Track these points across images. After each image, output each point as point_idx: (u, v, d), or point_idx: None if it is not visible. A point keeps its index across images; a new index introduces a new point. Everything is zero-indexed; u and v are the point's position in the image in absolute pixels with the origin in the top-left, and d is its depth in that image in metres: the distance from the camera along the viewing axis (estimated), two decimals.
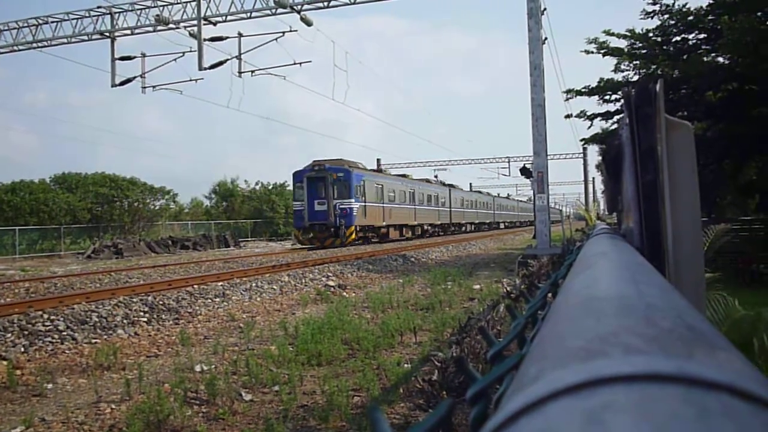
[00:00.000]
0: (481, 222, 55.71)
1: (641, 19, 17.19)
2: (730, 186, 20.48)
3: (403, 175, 38.75)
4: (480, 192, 60.86)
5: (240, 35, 22.80)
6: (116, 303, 10.79)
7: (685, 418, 0.27)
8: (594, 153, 42.91)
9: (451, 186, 46.98)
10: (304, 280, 15.68)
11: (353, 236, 28.18)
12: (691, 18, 16.27)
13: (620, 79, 18.03)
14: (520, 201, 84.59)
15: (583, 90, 18.49)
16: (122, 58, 23.67)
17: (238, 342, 8.91)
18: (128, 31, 23.41)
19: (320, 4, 20.99)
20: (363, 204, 29.15)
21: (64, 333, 9.10)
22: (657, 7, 16.59)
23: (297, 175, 29.04)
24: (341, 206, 27.63)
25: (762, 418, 0.28)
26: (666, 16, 16.69)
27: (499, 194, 71.54)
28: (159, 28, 22.52)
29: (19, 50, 24.63)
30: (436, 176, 50.99)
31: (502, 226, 65.72)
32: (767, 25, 14.09)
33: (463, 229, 48.64)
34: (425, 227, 38.97)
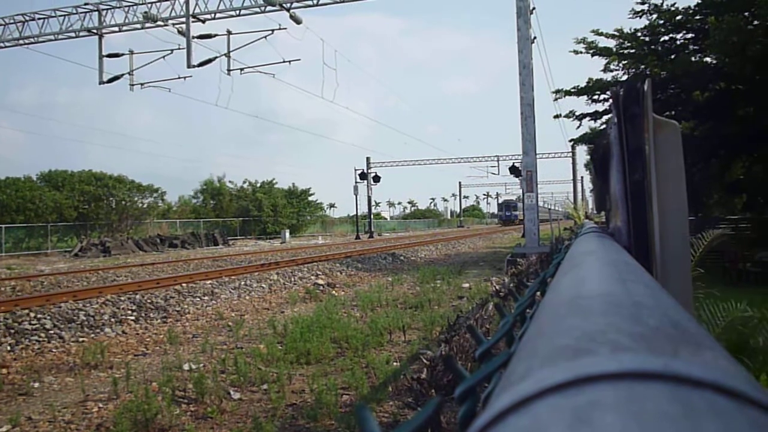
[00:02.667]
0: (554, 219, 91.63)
1: (630, 18, 17.27)
2: (718, 185, 20.61)
3: None
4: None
5: (229, 33, 22.68)
6: (104, 301, 10.73)
7: (671, 416, 0.27)
8: (583, 152, 43.57)
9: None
10: (293, 279, 15.66)
11: (517, 222, 68.38)
12: (679, 17, 16.36)
13: (609, 79, 18.12)
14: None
15: (572, 90, 18.56)
16: (110, 56, 23.48)
17: (226, 341, 8.89)
18: (116, 29, 23.20)
19: (309, 2, 20.89)
20: (520, 212, 64.76)
21: (51, 332, 9.03)
22: (645, 7, 16.68)
23: (500, 205, 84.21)
24: (515, 213, 73.08)
25: (747, 416, 0.28)
26: (654, 15, 16.77)
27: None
28: (147, 25, 22.33)
29: (5, 47, 24.36)
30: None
31: None
32: (754, 25, 14.19)
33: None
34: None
